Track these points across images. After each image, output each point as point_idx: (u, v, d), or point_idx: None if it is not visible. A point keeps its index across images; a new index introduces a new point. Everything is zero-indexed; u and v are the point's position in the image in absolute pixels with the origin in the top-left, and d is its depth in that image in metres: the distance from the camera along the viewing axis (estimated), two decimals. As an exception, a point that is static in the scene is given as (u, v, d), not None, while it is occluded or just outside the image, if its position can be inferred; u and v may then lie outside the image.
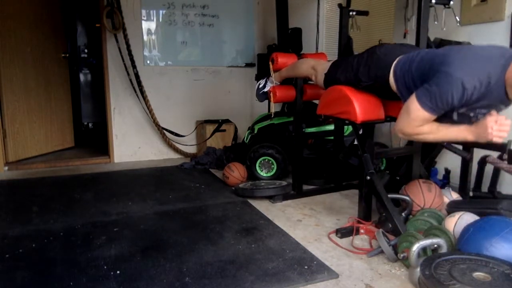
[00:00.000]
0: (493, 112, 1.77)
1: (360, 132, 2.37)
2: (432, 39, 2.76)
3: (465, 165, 2.51)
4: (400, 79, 1.97)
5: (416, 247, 1.78)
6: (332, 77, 2.40)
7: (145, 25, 4.24)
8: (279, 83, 2.96)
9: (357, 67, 2.21)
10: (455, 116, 1.81)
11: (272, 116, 3.30)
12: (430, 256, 1.78)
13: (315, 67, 2.60)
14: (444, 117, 1.83)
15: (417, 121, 1.81)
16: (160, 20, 4.29)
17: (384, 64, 2.08)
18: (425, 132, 1.85)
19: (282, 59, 2.85)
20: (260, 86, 3.01)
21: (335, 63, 2.44)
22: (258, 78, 3.46)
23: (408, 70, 1.92)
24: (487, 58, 1.69)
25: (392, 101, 2.23)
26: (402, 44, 2.32)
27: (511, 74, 1.63)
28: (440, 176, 3.00)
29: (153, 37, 4.30)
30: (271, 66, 2.91)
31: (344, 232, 2.31)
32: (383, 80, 2.08)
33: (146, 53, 4.28)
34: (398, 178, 2.74)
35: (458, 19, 2.62)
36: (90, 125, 6.35)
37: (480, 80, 1.64)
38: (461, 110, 1.78)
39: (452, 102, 1.69)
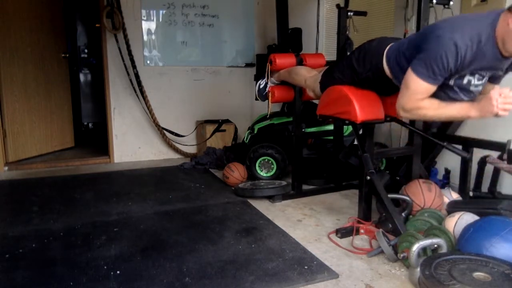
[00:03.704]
0: (497, 86, 1.80)
1: (360, 132, 2.37)
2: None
3: (465, 165, 2.51)
4: (394, 63, 1.97)
5: (416, 247, 1.78)
6: (328, 82, 2.40)
7: (145, 25, 4.24)
8: (278, 83, 2.96)
9: (351, 62, 2.21)
10: (452, 82, 1.79)
11: (268, 116, 3.29)
12: (430, 256, 1.78)
13: (307, 81, 2.60)
14: (443, 87, 1.82)
15: (416, 93, 1.79)
16: (160, 20, 4.29)
17: (377, 51, 2.08)
18: (425, 107, 1.81)
19: (280, 60, 2.85)
20: (261, 86, 3.01)
21: (327, 70, 2.45)
22: (257, 78, 3.46)
23: (400, 52, 1.93)
24: (474, 18, 1.72)
25: (392, 100, 2.22)
26: (393, 37, 2.32)
27: (500, 29, 1.65)
28: (440, 176, 3.00)
29: (153, 37, 4.30)
30: (269, 67, 2.91)
31: (344, 232, 2.31)
32: (378, 68, 2.07)
33: (146, 53, 4.28)
34: (398, 178, 2.74)
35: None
36: (90, 125, 6.35)
37: (471, 38, 1.65)
38: (456, 77, 1.77)
39: (447, 65, 1.68)
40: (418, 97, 1.80)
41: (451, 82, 1.80)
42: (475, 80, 1.80)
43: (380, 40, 2.16)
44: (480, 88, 1.85)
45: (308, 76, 2.62)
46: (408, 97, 1.82)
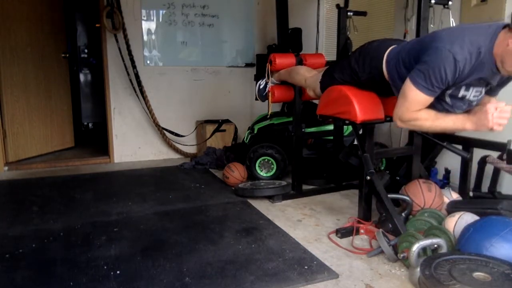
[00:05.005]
0: (493, 99, 1.78)
1: (360, 132, 2.37)
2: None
3: (465, 165, 2.51)
4: (393, 68, 1.97)
5: (416, 247, 1.78)
6: (328, 81, 2.40)
7: (145, 25, 4.24)
8: (278, 83, 2.96)
9: (351, 62, 2.22)
10: (447, 99, 1.81)
11: (269, 117, 3.29)
12: (430, 256, 1.78)
13: (307, 81, 2.60)
14: (438, 104, 1.83)
15: (414, 104, 1.80)
16: (160, 20, 4.29)
17: (377, 54, 2.08)
18: (422, 118, 1.82)
19: (280, 60, 2.85)
20: (261, 86, 3.01)
21: (328, 70, 2.44)
22: (257, 78, 3.46)
23: (399, 58, 1.93)
24: (474, 30, 1.70)
25: (392, 100, 2.23)
26: (394, 39, 2.33)
27: (499, 47, 1.65)
28: (440, 176, 3.00)
29: (153, 37, 4.30)
30: (268, 67, 2.91)
31: (344, 232, 2.31)
32: (378, 71, 2.07)
33: (146, 53, 4.28)
34: (398, 178, 2.74)
35: (453, 22, 2.62)
36: (90, 125, 6.35)
37: (470, 52, 1.65)
38: (453, 89, 1.77)
39: (446, 78, 1.68)
40: (415, 108, 1.81)
41: (448, 93, 1.80)
42: (471, 92, 1.80)
43: (381, 41, 2.16)
44: (476, 100, 1.85)
45: (308, 76, 2.62)
46: (405, 107, 1.83)
